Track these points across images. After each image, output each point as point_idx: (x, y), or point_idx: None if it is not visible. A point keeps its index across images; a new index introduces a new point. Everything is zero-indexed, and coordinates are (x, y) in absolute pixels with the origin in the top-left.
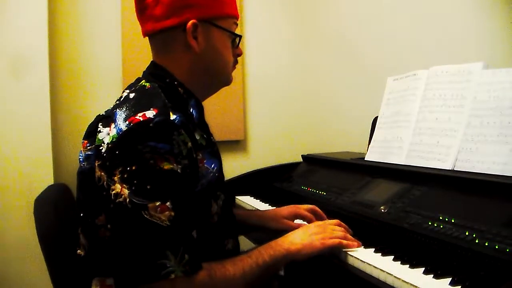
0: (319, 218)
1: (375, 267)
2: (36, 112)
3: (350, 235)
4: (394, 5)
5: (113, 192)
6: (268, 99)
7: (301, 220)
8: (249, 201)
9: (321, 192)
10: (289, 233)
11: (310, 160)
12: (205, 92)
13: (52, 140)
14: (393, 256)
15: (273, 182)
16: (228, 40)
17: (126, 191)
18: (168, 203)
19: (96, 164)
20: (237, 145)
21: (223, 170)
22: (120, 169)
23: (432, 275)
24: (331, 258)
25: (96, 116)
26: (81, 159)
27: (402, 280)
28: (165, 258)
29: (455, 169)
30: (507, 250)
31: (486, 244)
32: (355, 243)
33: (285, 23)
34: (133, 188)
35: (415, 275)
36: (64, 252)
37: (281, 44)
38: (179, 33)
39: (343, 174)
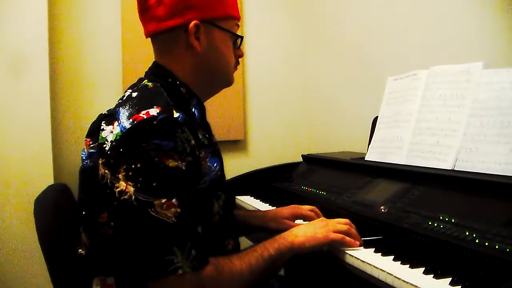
0: None
1: (375, 267)
2: (36, 112)
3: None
4: (394, 5)
5: (118, 189)
6: (268, 99)
7: (302, 220)
8: (249, 201)
9: (321, 192)
10: (293, 228)
11: (310, 160)
12: (206, 93)
13: (52, 140)
14: (393, 256)
15: (273, 182)
16: (229, 41)
17: (131, 189)
18: (174, 200)
19: (100, 162)
20: (237, 145)
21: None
22: (124, 166)
23: (432, 275)
24: (331, 258)
25: (99, 115)
26: (83, 157)
27: (402, 280)
28: (172, 254)
29: (455, 169)
30: (507, 250)
31: (486, 244)
32: (357, 242)
33: (285, 24)
34: (139, 185)
35: (415, 275)
36: (64, 252)
37: (281, 45)
38: (181, 34)
39: (343, 174)
